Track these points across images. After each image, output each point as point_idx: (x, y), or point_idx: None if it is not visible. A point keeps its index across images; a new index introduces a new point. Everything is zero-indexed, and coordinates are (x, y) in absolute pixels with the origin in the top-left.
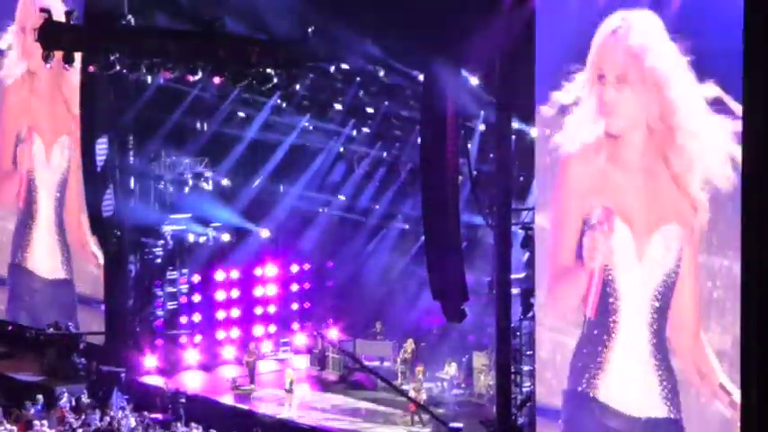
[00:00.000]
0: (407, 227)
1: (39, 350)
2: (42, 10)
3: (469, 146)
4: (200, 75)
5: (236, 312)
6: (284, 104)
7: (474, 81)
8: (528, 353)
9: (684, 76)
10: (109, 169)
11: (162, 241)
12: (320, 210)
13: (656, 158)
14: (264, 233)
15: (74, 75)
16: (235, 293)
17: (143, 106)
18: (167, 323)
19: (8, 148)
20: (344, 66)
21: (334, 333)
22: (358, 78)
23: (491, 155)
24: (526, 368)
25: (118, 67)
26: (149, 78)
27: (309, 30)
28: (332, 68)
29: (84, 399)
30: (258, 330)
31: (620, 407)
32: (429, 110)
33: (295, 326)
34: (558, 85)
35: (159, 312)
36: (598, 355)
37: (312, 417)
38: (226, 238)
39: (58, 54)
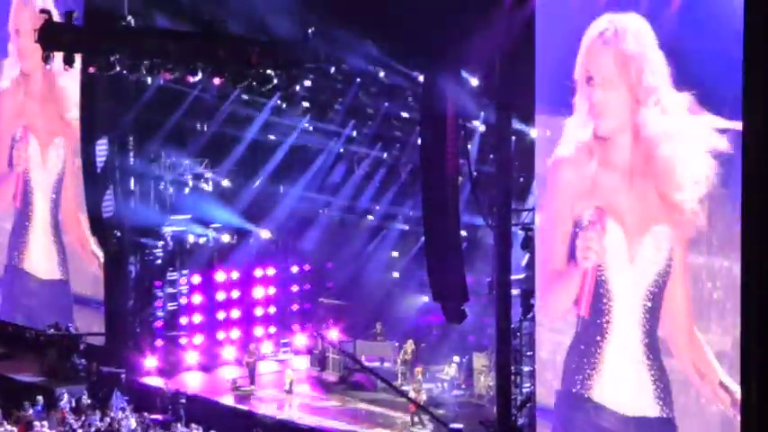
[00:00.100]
0: (408, 227)
1: (39, 351)
2: (42, 11)
3: (469, 146)
4: (200, 75)
5: (236, 313)
6: (284, 105)
7: (474, 82)
8: (528, 354)
9: (666, 82)
10: (109, 170)
11: (162, 242)
12: (320, 210)
13: (643, 160)
14: (265, 234)
15: (67, 76)
16: (235, 294)
17: (143, 107)
18: (167, 324)
19: (3, 150)
20: (344, 66)
21: (334, 334)
22: (358, 79)
23: (491, 155)
24: (526, 369)
25: (118, 68)
26: (149, 79)
27: (309, 30)
28: (332, 69)
29: (85, 400)
30: (258, 331)
31: (613, 407)
32: (429, 110)
33: (295, 327)
34: (558, 85)
35: (159, 313)
36: (591, 355)
37: (312, 417)
38: (226, 238)
39: (57, 55)
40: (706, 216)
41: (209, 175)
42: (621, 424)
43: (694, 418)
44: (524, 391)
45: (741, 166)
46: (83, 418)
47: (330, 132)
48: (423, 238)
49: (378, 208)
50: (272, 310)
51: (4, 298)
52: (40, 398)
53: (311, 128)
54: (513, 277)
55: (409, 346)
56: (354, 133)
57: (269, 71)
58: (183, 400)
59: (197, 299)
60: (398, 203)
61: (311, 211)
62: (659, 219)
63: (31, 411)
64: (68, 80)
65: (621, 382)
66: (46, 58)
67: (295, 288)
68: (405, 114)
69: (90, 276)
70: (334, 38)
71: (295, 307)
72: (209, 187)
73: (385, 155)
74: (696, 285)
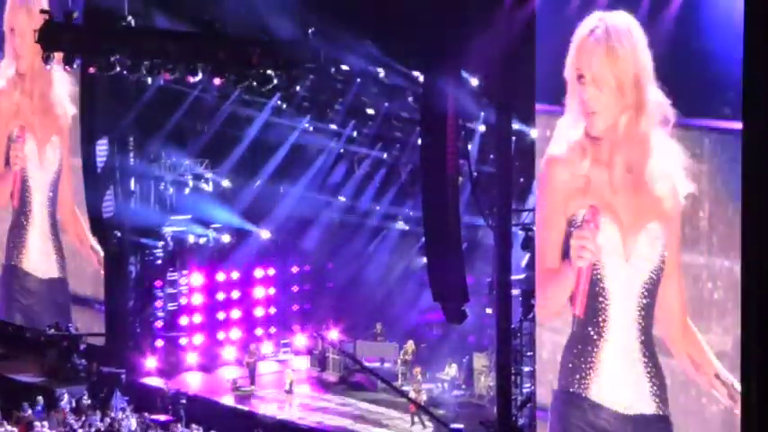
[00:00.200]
0: (408, 228)
1: (39, 351)
2: (42, 11)
3: (470, 147)
4: (200, 76)
5: (236, 313)
6: (284, 105)
7: (474, 82)
8: (528, 354)
9: (652, 82)
10: (109, 170)
11: (162, 242)
12: (320, 211)
13: (633, 158)
14: (265, 234)
15: (63, 74)
16: (235, 294)
17: (143, 107)
18: (168, 324)
19: (0, 149)
20: (345, 67)
21: (334, 334)
22: (358, 79)
23: (491, 156)
24: (526, 369)
25: (118, 69)
26: (149, 79)
27: (310, 31)
28: (332, 69)
29: (85, 400)
30: (258, 331)
31: (610, 405)
32: (429, 111)
33: (295, 327)
34: (558, 85)
35: (160, 313)
36: (588, 354)
37: (312, 418)
38: (226, 239)
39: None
40: (707, 216)
41: (209, 175)
42: (618, 422)
43: (694, 416)
44: (525, 391)
45: (741, 166)
46: (83, 418)
47: (330, 132)
48: (423, 239)
49: (378, 208)
50: (272, 310)
51: (2, 297)
52: (40, 398)
53: (311, 128)
54: (513, 277)
55: (409, 346)
56: (354, 133)
57: (269, 71)
58: (184, 401)
59: (197, 299)
60: (399, 204)
61: (311, 211)
62: (652, 216)
63: (30, 412)
64: (64, 79)
65: (618, 381)
66: (46, 59)
67: (295, 288)
68: (405, 114)
69: (90, 276)
70: (335, 38)
71: (295, 307)
72: (209, 187)
73: (385, 155)
74: (696, 285)
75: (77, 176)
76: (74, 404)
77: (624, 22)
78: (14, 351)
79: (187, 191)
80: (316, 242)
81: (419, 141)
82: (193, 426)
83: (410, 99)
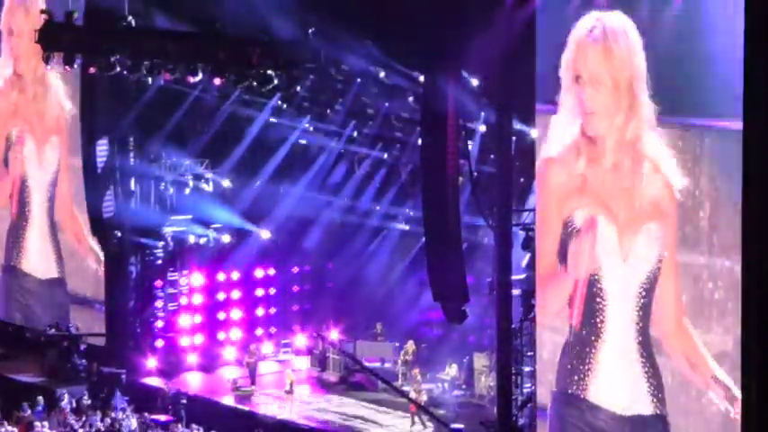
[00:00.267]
0: (408, 228)
1: (39, 351)
2: (42, 11)
3: (470, 147)
4: (200, 76)
5: (236, 314)
6: (285, 106)
7: (474, 82)
8: (528, 354)
9: (647, 83)
10: (109, 170)
11: (162, 242)
12: (321, 211)
13: (628, 158)
14: (265, 234)
15: (61, 75)
16: (235, 295)
17: (143, 107)
18: (168, 324)
19: None
20: (345, 67)
21: (334, 334)
22: (358, 79)
23: (491, 156)
24: (527, 369)
25: (118, 69)
26: (150, 79)
27: (310, 31)
28: (332, 70)
29: (85, 400)
30: (259, 331)
31: (608, 406)
32: (429, 111)
33: (296, 327)
34: (558, 85)
35: (160, 314)
36: (586, 355)
37: (313, 418)
38: (226, 239)
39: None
40: (707, 216)
41: (209, 175)
42: (616, 423)
43: (695, 416)
44: (525, 391)
45: (741, 166)
46: (83, 418)
47: (330, 133)
48: (423, 239)
49: (378, 208)
50: (272, 310)
51: (2, 298)
52: (40, 398)
53: (311, 128)
54: (513, 277)
55: (410, 346)
56: (355, 133)
57: (269, 71)
58: (184, 401)
59: (197, 299)
60: (399, 204)
61: (312, 211)
62: (649, 216)
63: (29, 412)
64: (62, 79)
65: (616, 381)
66: (46, 59)
67: (295, 288)
68: (405, 114)
69: (90, 276)
70: (335, 38)
71: (295, 307)
72: (209, 188)
73: (385, 155)
74: (697, 285)
75: (76, 176)
76: (74, 404)
77: (621, 22)
78: (15, 351)
79: (187, 191)
80: (316, 242)
81: (419, 141)
82: (194, 426)
83: (410, 99)
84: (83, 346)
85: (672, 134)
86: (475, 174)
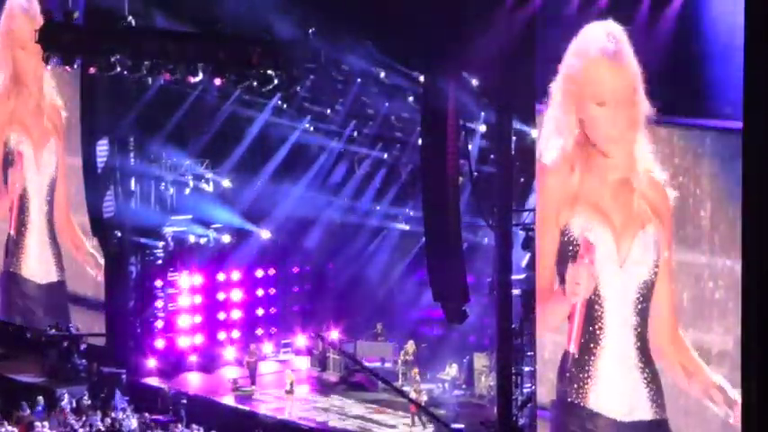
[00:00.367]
0: (408, 228)
1: (40, 352)
2: (43, 12)
3: (470, 147)
4: (200, 76)
5: (236, 314)
6: (285, 106)
7: (474, 82)
8: (529, 354)
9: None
10: (110, 171)
11: (163, 242)
12: (321, 211)
13: (626, 163)
14: (265, 234)
15: (57, 76)
16: (236, 295)
17: (144, 107)
18: (168, 324)
19: None
20: (345, 67)
21: (334, 334)
22: (358, 79)
23: (492, 156)
24: (527, 369)
25: (118, 69)
26: (150, 80)
27: (310, 31)
28: (332, 70)
29: (86, 400)
30: (259, 331)
31: (608, 413)
32: (429, 111)
33: (296, 329)
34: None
35: (160, 314)
36: (585, 363)
37: (313, 418)
38: (226, 239)
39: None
40: (708, 216)
41: (209, 175)
42: (617, 430)
43: (695, 417)
44: (525, 391)
45: (741, 166)
46: (84, 418)
47: (331, 133)
48: (423, 239)
49: (378, 208)
50: (272, 310)
51: (3, 300)
52: (40, 398)
53: (312, 128)
54: (513, 277)
55: (410, 346)
56: (355, 133)
57: (269, 72)
58: (184, 401)
59: (198, 299)
60: (399, 204)
61: (312, 211)
62: (645, 219)
63: (28, 412)
64: (59, 79)
65: (616, 388)
66: (46, 59)
67: (296, 288)
68: (405, 114)
69: (91, 277)
70: (335, 38)
71: (296, 307)
72: (209, 188)
73: (385, 155)
74: (698, 285)
75: (72, 180)
76: (74, 404)
77: (618, 30)
78: (15, 351)
79: (187, 191)
80: (316, 242)
81: (419, 141)
82: (194, 426)
83: (410, 99)
84: (83, 347)
85: (672, 134)
86: (475, 174)
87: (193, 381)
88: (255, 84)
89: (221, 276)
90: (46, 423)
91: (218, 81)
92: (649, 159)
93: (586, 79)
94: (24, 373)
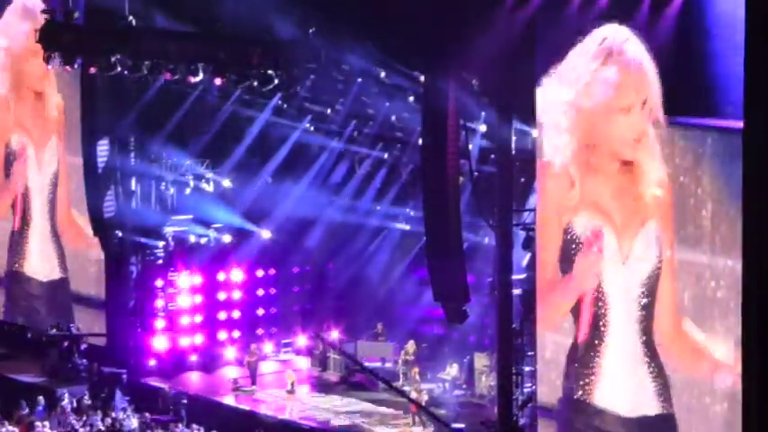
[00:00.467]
0: (409, 228)
1: (40, 352)
2: (44, 11)
3: (470, 146)
4: (201, 76)
5: (237, 313)
6: (285, 106)
7: (475, 82)
8: (529, 354)
9: (656, 90)
10: (110, 171)
11: (163, 242)
12: (321, 211)
13: (628, 160)
14: (266, 234)
15: (57, 75)
16: (236, 294)
17: (144, 107)
18: (169, 324)
19: None
20: (345, 67)
21: (335, 334)
22: (359, 79)
23: (492, 155)
24: (527, 369)
25: (119, 69)
26: (150, 79)
27: (310, 31)
28: (333, 70)
29: (86, 400)
30: (259, 331)
31: (614, 409)
32: (430, 111)
33: (296, 327)
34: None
35: (160, 313)
36: (590, 360)
37: (313, 418)
38: (227, 239)
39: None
40: (709, 216)
41: (210, 175)
42: (623, 426)
43: (697, 415)
44: (525, 391)
45: (742, 166)
46: (84, 418)
47: (331, 132)
48: (424, 239)
49: (379, 208)
50: (273, 310)
51: (4, 303)
52: (41, 398)
53: (312, 128)
54: (514, 277)
55: (410, 346)
56: (355, 133)
57: (270, 71)
58: (185, 401)
59: (198, 299)
60: (399, 203)
61: (312, 211)
62: (646, 216)
63: (27, 411)
64: (59, 79)
65: (622, 384)
66: (47, 59)
67: (296, 288)
68: (406, 114)
69: (92, 276)
70: (335, 38)
71: (296, 307)
72: (210, 188)
73: (386, 155)
74: (699, 284)
75: (74, 177)
76: (75, 404)
77: (629, 35)
78: (16, 351)
79: (188, 191)
80: (317, 242)
81: (420, 141)
82: (194, 426)
83: (411, 99)
84: (83, 346)
85: (673, 134)
86: (475, 173)
87: (194, 380)
88: (256, 84)
89: (222, 276)
90: (46, 423)
91: (218, 81)
92: (653, 157)
93: (594, 79)
94: (25, 372)
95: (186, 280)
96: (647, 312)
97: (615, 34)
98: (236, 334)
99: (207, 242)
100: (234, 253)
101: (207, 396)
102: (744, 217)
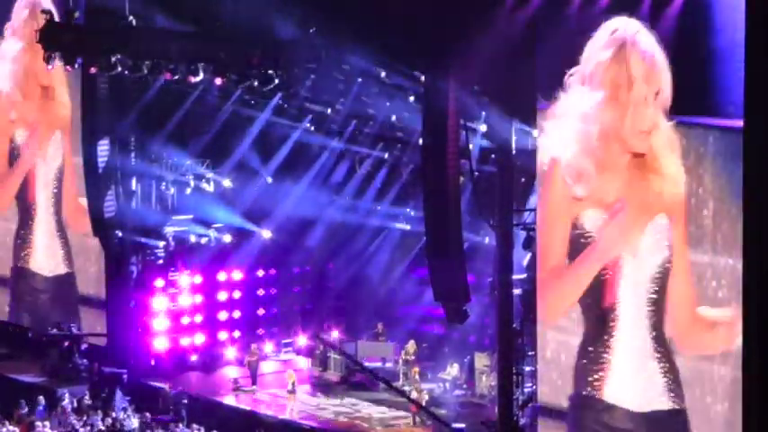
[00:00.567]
0: (409, 228)
1: (40, 352)
2: (44, 11)
3: (471, 146)
4: (201, 76)
5: (237, 313)
6: (286, 105)
7: (475, 82)
8: (530, 353)
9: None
10: (111, 170)
11: (163, 242)
12: (322, 211)
13: (639, 153)
14: (266, 234)
15: (62, 72)
16: (237, 294)
17: (144, 107)
18: (169, 324)
19: (3, 150)
20: (346, 66)
21: (335, 334)
22: (359, 79)
23: (492, 155)
24: (528, 369)
25: (119, 69)
26: (151, 79)
27: (310, 31)
28: (333, 69)
29: (87, 400)
30: (260, 331)
31: (624, 404)
32: (430, 110)
33: (297, 327)
34: (559, 85)
35: (161, 314)
36: (599, 355)
37: (314, 417)
38: (227, 239)
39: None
40: (711, 214)
41: (210, 175)
42: (633, 421)
43: (699, 414)
44: (526, 390)
45: (742, 166)
46: (85, 418)
47: (331, 132)
48: (424, 238)
49: (379, 208)
50: (273, 310)
51: (11, 299)
52: (41, 398)
53: (312, 128)
54: (514, 277)
55: (411, 346)
56: (356, 133)
57: (270, 71)
58: (185, 400)
59: (199, 299)
60: (400, 203)
61: (313, 211)
62: (657, 209)
63: (26, 410)
64: (63, 76)
65: (631, 379)
66: (47, 59)
67: (296, 288)
68: (406, 114)
69: (93, 275)
70: (335, 38)
71: (297, 307)
72: (210, 188)
73: (386, 155)
74: (701, 283)
75: (79, 172)
76: (75, 404)
77: (641, 32)
78: (16, 351)
79: (188, 191)
80: (317, 242)
81: (420, 141)
82: (195, 426)
83: (411, 99)
84: (84, 346)
85: (675, 132)
86: (476, 173)
87: (194, 380)
88: (256, 83)
89: (222, 276)
90: (47, 423)
91: (218, 81)
92: (664, 149)
93: (607, 70)
94: (25, 372)
95: (187, 280)
96: (658, 307)
97: (626, 26)
98: (237, 334)
99: (207, 242)
100: (234, 253)
101: (207, 396)
102: (744, 216)
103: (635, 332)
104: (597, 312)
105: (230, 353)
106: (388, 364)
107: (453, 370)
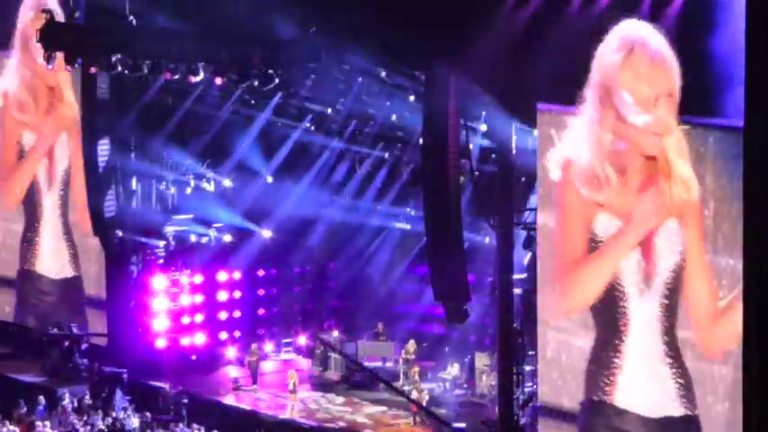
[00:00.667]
0: (409, 227)
1: (41, 351)
2: (44, 11)
3: (471, 146)
4: (201, 76)
5: (238, 313)
6: (286, 105)
7: (475, 81)
8: (530, 353)
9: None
10: (111, 170)
11: (164, 242)
12: (322, 210)
13: (653, 158)
14: (266, 234)
15: (68, 73)
16: (237, 294)
17: (145, 107)
18: (169, 324)
19: (10, 152)
20: (346, 66)
21: (335, 334)
22: (360, 79)
23: (493, 155)
24: (528, 368)
25: (119, 68)
26: (151, 79)
27: (311, 30)
28: (333, 69)
29: (87, 400)
30: (260, 331)
31: (636, 410)
32: (430, 110)
33: (297, 327)
34: (560, 84)
35: (161, 313)
36: (610, 360)
37: (314, 417)
38: (228, 238)
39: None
40: (712, 215)
41: (210, 174)
42: (645, 427)
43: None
44: (526, 390)
45: (742, 166)
46: (85, 418)
47: (332, 132)
48: (424, 238)
49: (379, 208)
50: (274, 310)
51: (17, 301)
52: (41, 398)
53: (313, 128)
54: (515, 277)
55: (411, 345)
56: (356, 133)
57: (270, 71)
58: (185, 400)
59: (199, 299)
60: (400, 203)
61: (313, 210)
62: (667, 214)
63: (25, 410)
64: (69, 77)
65: (643, 384)
66: (48, 59)
67: (297, 288)
68: (406, 114)
69: (94, 275)
70: (335, 38)
71: (297, 307)
72: (210, 187)
73: (387, 154)
74: None
75: None
76: (76, 404)
77: (653, 35)
78: (16, 351)
79: (189, 190)
80: (317, 242)
81: (420, 141)
82: (195, 425)
83: (411, 98)
84: (84, 346)
85: (680, 131)
86: (476, 173)
87: (195, 380)
88: (256, 83)
89: (222, 276)
90: (47, 423)
91: (218, 81)
92: (677, 152)
93: (618, 72)
94: (25, 372)
95: (187, 279)
96: (671, 312)
97: (636, 28)
98: (237, 333)
99: (208, 242)
100: (235, 253)
101: (208, 396)
102: (744, 216)
103: (646, 337)
104: (608, 317)
105: (230, 352)
106: (389, 364)
107: (453, 370)
